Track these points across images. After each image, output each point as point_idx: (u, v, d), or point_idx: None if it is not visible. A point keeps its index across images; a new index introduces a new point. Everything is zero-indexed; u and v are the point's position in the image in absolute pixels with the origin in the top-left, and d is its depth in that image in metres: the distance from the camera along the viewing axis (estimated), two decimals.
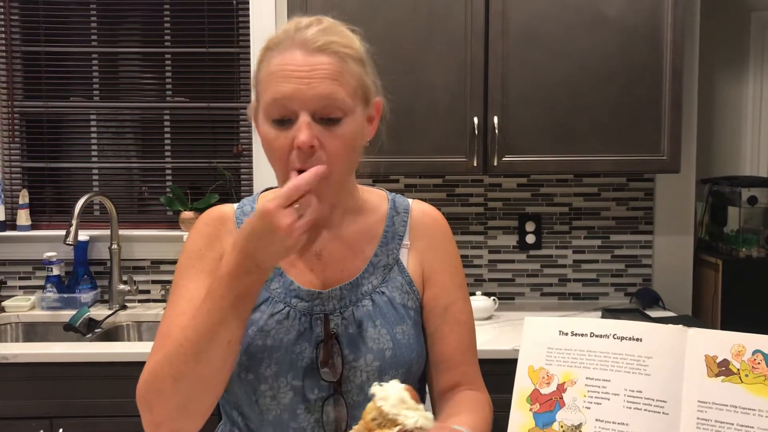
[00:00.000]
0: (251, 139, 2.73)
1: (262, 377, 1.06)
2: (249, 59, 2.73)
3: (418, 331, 1.13)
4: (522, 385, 0.98)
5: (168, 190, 2.81)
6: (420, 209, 1.19)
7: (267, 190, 1.21)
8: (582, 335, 0.96)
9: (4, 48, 2.77)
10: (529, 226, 2.75)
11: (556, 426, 0.93)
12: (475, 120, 2.37)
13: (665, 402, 0.89)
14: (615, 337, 0.94)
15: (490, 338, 2.30)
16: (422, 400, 1.13)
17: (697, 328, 0.91)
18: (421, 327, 1.15)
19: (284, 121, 0.99)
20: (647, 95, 2.38)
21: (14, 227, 2.76)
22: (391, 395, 0.87)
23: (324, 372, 1.06)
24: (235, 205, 1.18)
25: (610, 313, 2.46)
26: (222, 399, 1.15)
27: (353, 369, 1.06)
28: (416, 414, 0.86)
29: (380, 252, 1.14)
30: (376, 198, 1.19)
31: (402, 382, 1.02)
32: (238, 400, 1.10)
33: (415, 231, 1.16)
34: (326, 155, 0.99)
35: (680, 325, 0.92)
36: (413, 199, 1.22)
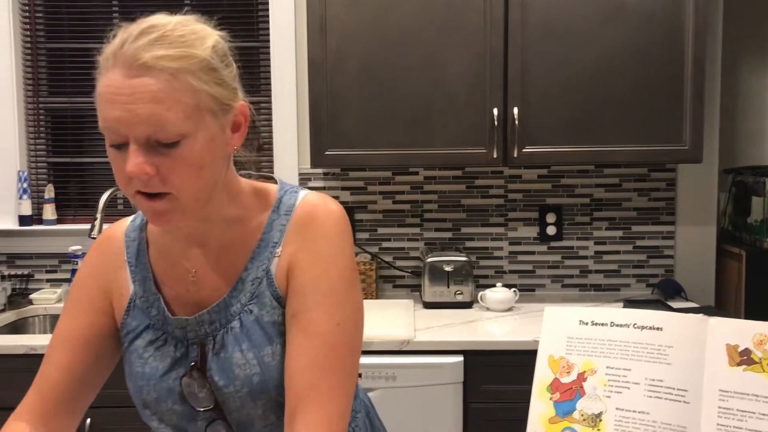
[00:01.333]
0: (271, 133, 2.75)
1: (145, 403, 1.04)
2: (269, 53, 2.74)
3: None
4: (542, 375, 0.98)
5: None
6: (305, 206, 1.03)
7: None
8: (602, 324, 0.96)
9: (29, 45, 2.82)
10: (550, 218, 2.74)
11: (576, 415, 0.94)
12: (495, 111, 2.37)
13: (686, 391, 0.89)
14: (635, 326, 0.94)
15: (511, 330, 2.30)
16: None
17: (718, 318, 0.91)
18: None
19: (120, 145, 0.90)
20: (669, 84, 2.36)
21: (40, 221, 2.81)
22: None
23: (200, 398, 1.01)
24: (130, 219, 1.13)
25: (631, 304, 2.45)
26: None
27: (226, 395, 1.00)
28: None
29: (251, 265, 1.02)
30: (263, 201, 1.06)
31: (281, 404, 0.98)
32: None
33: (292, 234, 1.01)
34: (167, 179, 0.90)
35: (701, 315, 0.92)
36: (313, 194, 1.06)
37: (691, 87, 2.35)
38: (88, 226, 2.53)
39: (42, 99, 2.85)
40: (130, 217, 1.13)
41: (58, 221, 2.83)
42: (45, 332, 2.63)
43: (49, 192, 2.81)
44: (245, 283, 1.01)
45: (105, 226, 2.57)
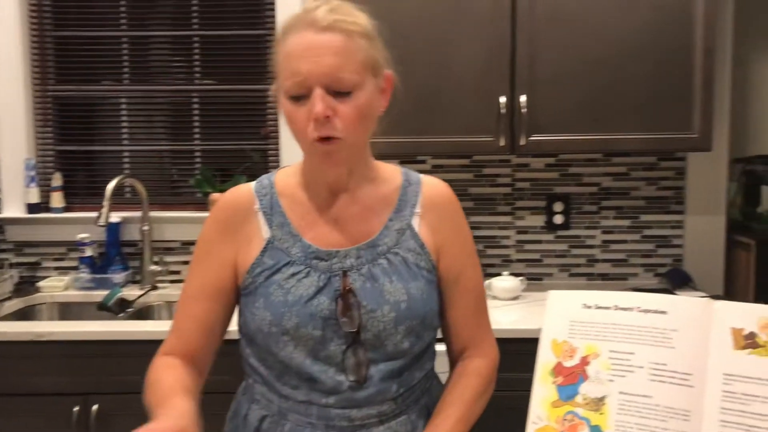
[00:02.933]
0: (278, 120, 2.75)
1: (284, 329, 1.14)
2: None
3: (431, 289, 1.21)
4: (545, 359, 0.98)
5: (197, 172, 2.84)
6: (430, 183, 1.28)
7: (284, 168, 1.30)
8: (606, 308, 0.96)
9: (36, 33, 2.82)
10: (558, 207, 2.73)
11: (579, 399, 0.93)
12: (503, 99, 2.35)
13: (690, 375, 0.88)
14: (639, 309, 0.94)
15: (518, 318, 2.29)
16: (434, 355, 1.28)
17: (723, 301, 0.90)
18: (436, 288, 1.23)
19: (301, 97, 1.09)
20: (678, 72, 2.34)
21: (48, 209, 2.82)
22: None
23: (343, 322, 1.14)
24: (252, 182, 1.27)
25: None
26: (246, 353, 1.24)
27: (371, 319, 1.15)
28: None
29: (395, 217, 1.22)
30: (391, 171, 1.28)
31: (416, 332, 1.18)
32: (261, 352, 1.19)
33: (427, 202, 1.25)
34: (341, 123, 1.09)
35: (706, 298, 0.91)
36: (426, 175, 1.30)
37: (700, 75, 2.33)
38: (95, 214, 2.53)
39: (50, 87, 2.86)
40: (251, 182, 1.27)
41: (66, 209, 2.84)
42: (52, 319, 2.64)
43: (57, 180, 2.81)
44: (390, 230, 1.21)
45: (113, 214, 2.58)
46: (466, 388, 1.23)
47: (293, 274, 1.16)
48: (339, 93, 1.08)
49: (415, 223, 1.23)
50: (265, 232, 1.20)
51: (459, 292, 1.25)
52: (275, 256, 1.18)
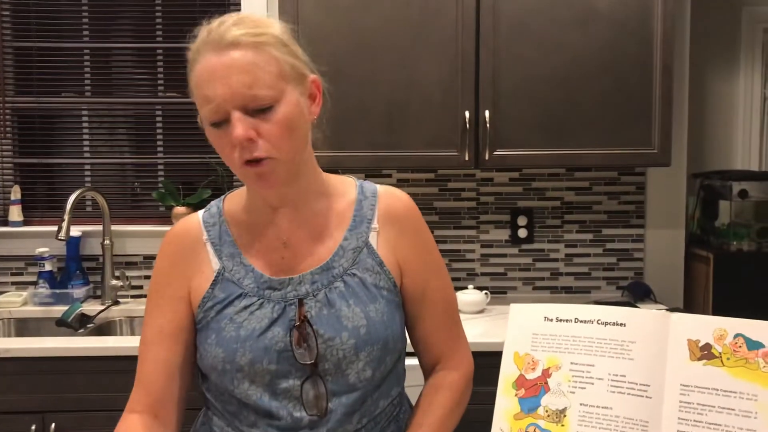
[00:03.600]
0: None
1: (238, 366, 1.08)
2: None
3: (392, 309, 1.14)
4: (507, 371, 0.99)
5: (160, 185, 2.81)
6: (387, 194, 1.20)
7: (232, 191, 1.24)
8: (566, 321, 0.97)
9: None
10: (521, 221, 2.76)
11: (541, 411, 0.94)
12: (467, 114, 2.38)
13: (648, 386, 0.90)
14: (599, 322, 0.95)
15: (482, 332, 2.30)
16: (403, 378, 1.23)
17: (679, 313, 0.92)
18: (399, 307, 1.17)
19: (221, 122, 1.03)
20: (638, 89, 2.39)
21: (6, 223, 2.76)
22: None
23: (299, 354, 1.08)
24: (201, 211, 1.21)
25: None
26: (203, 388, 1.19)
27: (329, 348, 1.08)
28: None
29: (349, 235, 1.15)
30: (344, 184, 1.21)
31: (378, 358, 1.11)
32: (217, 388, 1.14)
33: (384, 216, 1.17)
34: (266, 142, 1.02)
35: (663, 310, 0.92)
36: (383, 185, 1.23)
37: (659, 92, 2.38)
38: (55, 228, 2.49)
39: (8, 98, 2.81)
40: (200, 211, 1.21)
41: (25, 223, 2.78)
42: (9, 336, 2.58)
43: (16, 193, 2.76)
44: (346, 250, 1.14)
45: (73, 227, 2.53)
46: (438, 408, 1.17)
47: (245, 307, 1.10)
48: (258, 111, 1.01)
49: (373, 239, 1.15)
50: (215, 264, 1.14)
51: (426, 305, 1.19)
52: (226, 289, 1.12)
